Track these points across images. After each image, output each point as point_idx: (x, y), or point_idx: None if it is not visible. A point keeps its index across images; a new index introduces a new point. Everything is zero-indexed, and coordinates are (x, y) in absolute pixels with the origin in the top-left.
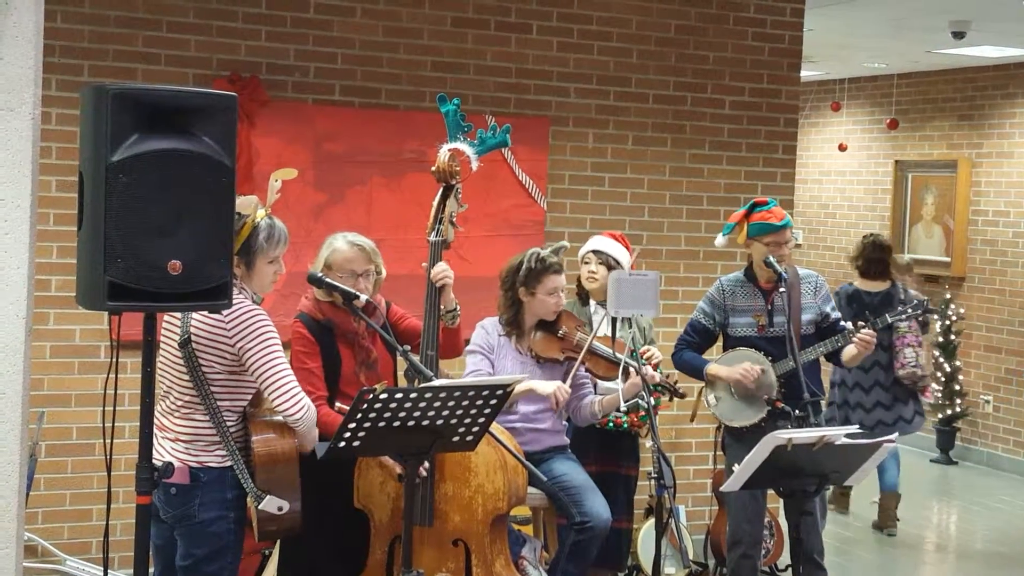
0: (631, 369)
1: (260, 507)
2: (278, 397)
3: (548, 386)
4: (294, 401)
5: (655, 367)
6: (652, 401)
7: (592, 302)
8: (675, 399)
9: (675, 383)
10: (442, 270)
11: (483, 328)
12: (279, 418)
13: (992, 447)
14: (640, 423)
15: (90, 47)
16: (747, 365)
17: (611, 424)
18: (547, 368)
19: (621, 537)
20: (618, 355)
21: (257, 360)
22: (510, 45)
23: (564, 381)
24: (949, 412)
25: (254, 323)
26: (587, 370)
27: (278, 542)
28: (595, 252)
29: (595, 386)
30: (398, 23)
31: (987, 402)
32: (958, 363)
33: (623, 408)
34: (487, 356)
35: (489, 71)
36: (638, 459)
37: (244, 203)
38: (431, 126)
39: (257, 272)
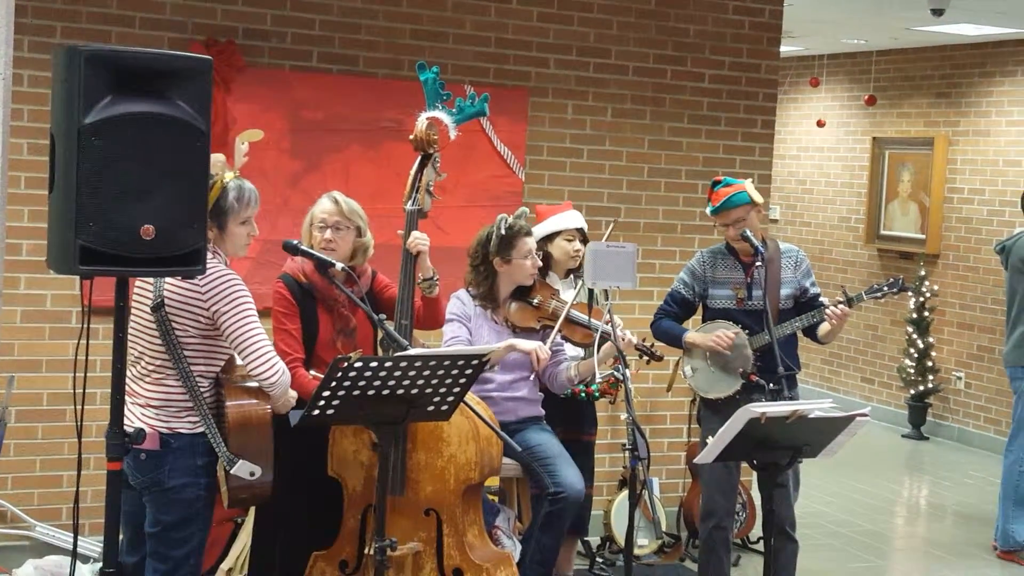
0: (608, 335)
1: (232, 472)
2: (252, 361)
3: (529, 344)
4: (268, 365)
5: None
6: (626, 372)
7: (571, 276)
8: (652, 361)
9: (651, 346)
10: (416, 237)
11: (458, 299)
12: (254, 384)
13: (963, 423)
14: (612, 389)
15: (63, 8)
16: (721, 331)
17: (583, 394)
18: (524, 337)
19: (584, 502)
20: (594, 322)
21: (232, 324)
22: (490, 14)
23: None
24: (921, 388)
25: (229, 287)
26: (563, 337)
27: (252, 510)
28: (578, 230)
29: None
30: None
31: (959, 378)
32: (931, 339)
33: (599, 377)
34: (464, 324)
35: (468, 40)
36: (597, 424)
37: (211, 163)
38: (409, 95)
39: (230, 234)
